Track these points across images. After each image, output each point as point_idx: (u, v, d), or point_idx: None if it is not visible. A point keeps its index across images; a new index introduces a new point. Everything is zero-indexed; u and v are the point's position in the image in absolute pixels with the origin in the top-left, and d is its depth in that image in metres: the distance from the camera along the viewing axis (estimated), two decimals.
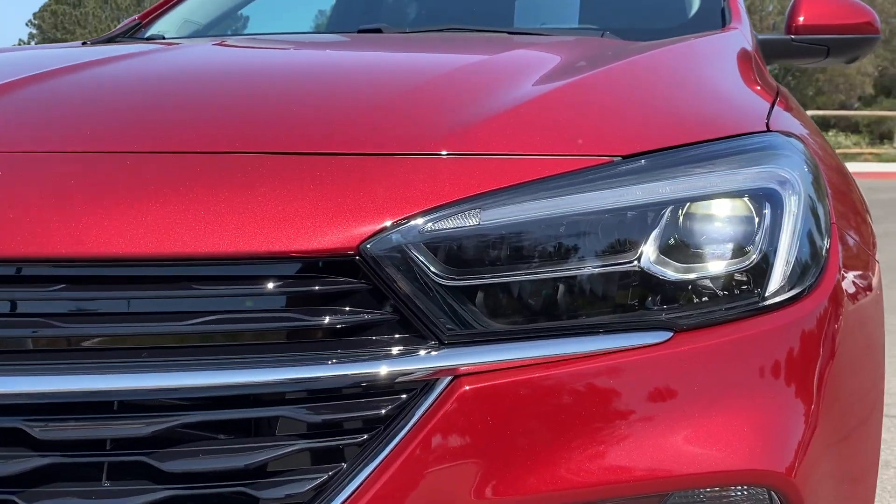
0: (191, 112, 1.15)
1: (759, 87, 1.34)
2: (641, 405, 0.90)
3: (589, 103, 1.12)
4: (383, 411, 0.86)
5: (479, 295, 0.90)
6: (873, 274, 1.21)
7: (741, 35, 1.83)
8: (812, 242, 1.03)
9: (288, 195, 0.90)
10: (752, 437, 0.91)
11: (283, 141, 1.02)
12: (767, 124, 1.15)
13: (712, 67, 1.40)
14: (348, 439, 0.86)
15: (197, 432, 0.86)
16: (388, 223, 0.88)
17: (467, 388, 0.86)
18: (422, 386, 0.87)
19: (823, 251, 1.05)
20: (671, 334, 0.92)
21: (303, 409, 0.86)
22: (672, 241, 0.95)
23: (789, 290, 0.98)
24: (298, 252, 0.86)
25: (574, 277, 0.92)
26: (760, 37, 2.22)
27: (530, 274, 0.91)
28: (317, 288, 0.87)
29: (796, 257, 0.99)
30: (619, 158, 0.97)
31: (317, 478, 0.85)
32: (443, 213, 0.89)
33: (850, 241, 1.16)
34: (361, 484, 0.84)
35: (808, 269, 1.01)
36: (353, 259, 0.87)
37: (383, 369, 0.86)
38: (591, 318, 0.92)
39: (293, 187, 0.91)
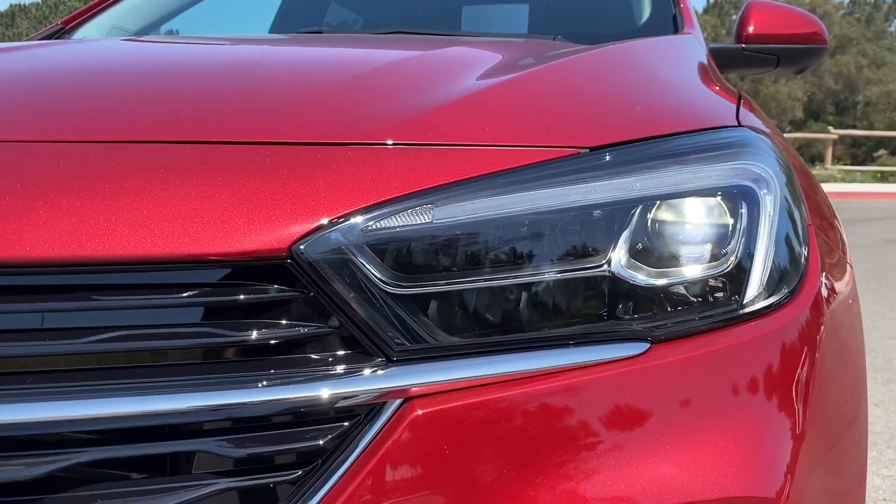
0: (92, 100, 1.00)
1: (721, 88, 1.27)
2: (617, 428, 0.78)
3: (549, 93, 1.02)
4: (322, 442, 0.73)
5: (433, 304, 0.78)
6: (850, 279, 1.14)
7: (696, 40, 1.78)
8: (791, 246, 0.95)
9: (206, 189, 0.77)
10: (740, 460, 0.81)
11: (200, 129, 0.88)
12: (738, 120, 1.08)
13: (674, 65, 1.32)
14: (280, 477, 0.73)
15: (98, 471, 0.72)
16: (324, 220, 0.75)
17: (420, 412, 0.74)
18: (367, 411, 0.75)
19: (803, 255, 0.97)
20: (647, 346, 0.82)
21: (226, 441, 0.72)
22: (644, 243, 0.85)
23: (769, 297, 0.89)
24: (219, 255, 0.73)
25: (539, 284, 0.81)
26: (711, 45, 2.19)
27: (490, 280, 0.80)
28: (241, 297, 0.74)
29: (775, 261, 0.90)
30: (587, 150, 0.87)
31: None
32: (390, 209, 0.77)
33: (826, 245, 1.09)
34: None
35: (788, 273, 0.93)
36: (284, 263, 0.74)
37: (322, 392, 0.73)
38: (560, 330, 0.81)
39: (213, 180, 0.78)
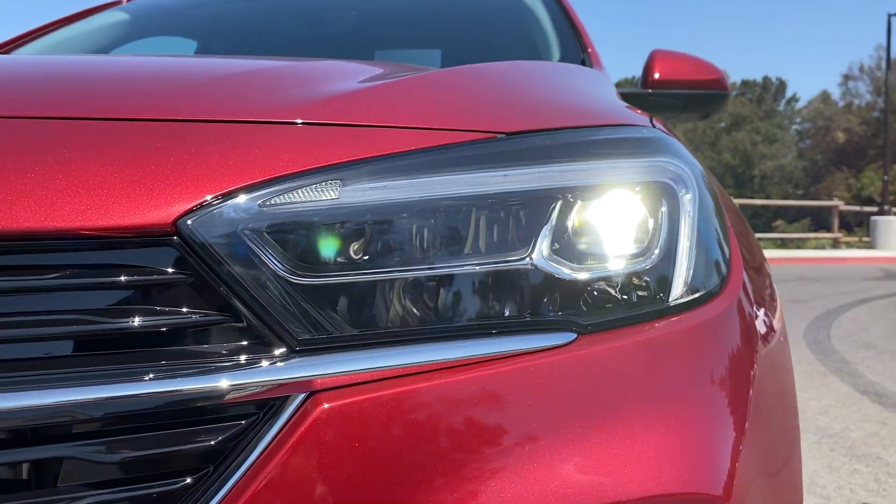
0: None
1: (633, 106, 1.26)
2: (545, 421, 0.72)
3: (462, 85, 0.97)
4: (213, 442, 0.64)
5: (339, 297, 0.71)
6: (772, 281, 1.13)
7: (605, 76, 1.80)
8: (712, 244, 0.93)
9: (85, 161, 0.68)
10: (678, 454, 0.75)
11: (86, 107, 0.79)
12: (652, 123, 1.07)
13: (588, 81, 1.31)
14: (165, 487, 0.63)
15: None
16: (215, 194, 0.68)
17: (326, 406, 0.66)
18: (267, 407, 0.66)
19: (725, 254, 0.95)
20: (574, 336, 0.76)
21: (99, 446, 0.62)
22: (566, 236, 0.81)
23: (694, 293, 0.86)
24: (94, 229, 0.64)
25: (459, 276, 0.75)
26: (619, 90, 2.24)
27: (404, 271, 0.73)
28: (122, 279, 0.65)
29: (698, 258, 0.88)
30: (503, 136, 0.82)
31: None
32: (291, 184, 0.70)
33: (746, 247, 1.08)
34: None
35: (712, 270, 0.90)
36: (170, 240, 0.66)
37: (213, 384, 0.64)
38: (480, 321, 0.75)
39: (94, 153, 0.69)
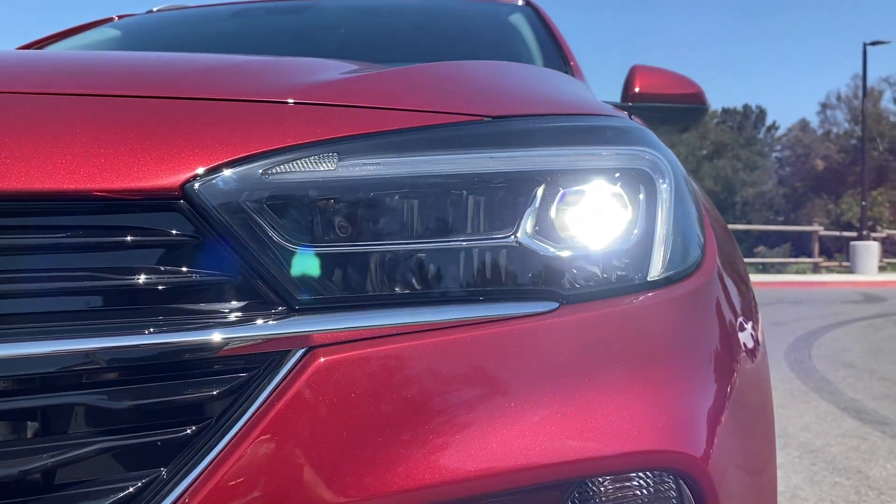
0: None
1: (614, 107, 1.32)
2: (527, 381, 0.76)
3: (447, 76, 1.02)
4: (215, 392, 0.67)
5: (335, 266, 0.75)
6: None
7: (587, 87, 1.86)
8: (688, 228, 0.98)
9: (97, 129, 0.72)
10: (661, 415, 0.79)
11: (101, 86, 0.84)
12: (631, 117, 1.12)
13: (569, 83, 1.37)
14: (169, 434, 0.66)
15: None
16: (221, 161, 0.72)
17: (323, 360, 0.70)
18: (268, 361, 0.69)
19: (700, 240, 1.00)
20: (556, 305, 0.81)
21: (107, 394, 0.65)
22: (548, 217, 0.86)
23: (670, 271, 0.91)
24: (102, 190, 0.68)
25: (447, 249, 0.79)
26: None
27: (396, 244, 0.77)
28: (129, 238, 0.69)
29: (675, 240, 0.93)
30: (489, 119, 0.87)
31: (125, 487, 0.64)
32: (292, 154, 0.74)
33: (719, 234, 1.13)
34: (185, 493, 0.64)
35: (688, 254, 0.95)
36: (177, 203, 0.70)
37: (216, 337, 0.68)
38: (469, 289, 0.79)
39: (106, 122, 0.73)
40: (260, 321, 0.69)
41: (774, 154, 52.32)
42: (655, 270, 0.89)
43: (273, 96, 0.82)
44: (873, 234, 21.21)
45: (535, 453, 0.72)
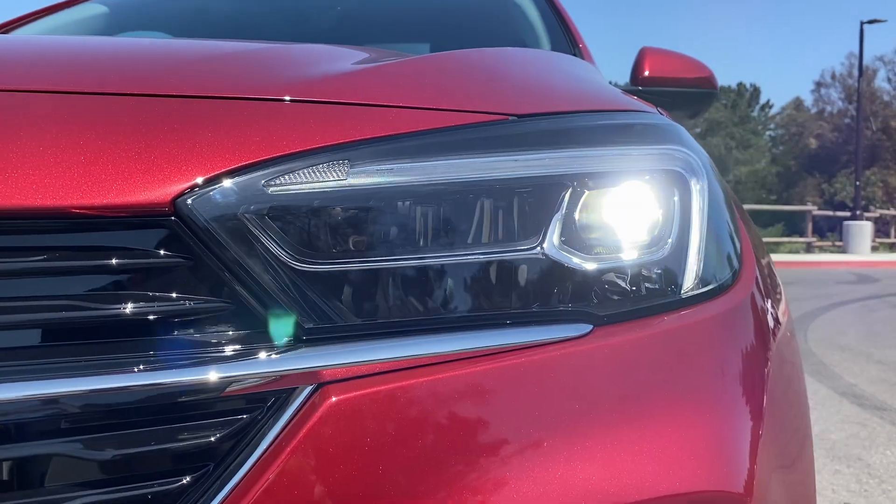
0: None
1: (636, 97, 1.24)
2: (562, 418, 0.68)
3: (468, 67, 0.93)
4: (214, 438, 0.59)
5: (346, 285, 0.67)
6: (774, 271, 1.10)
7: (598, 70, 1.78)
8: (724, 234, 0.91)
9: (78, 136, 0.63)
10: (699, 451, 0.72)
11: (81, 81, 0.74)
12: (660, 111, 1.04)
13: (587, 71, 1.28)
14: (161, 486, 0.58)
15: None
16: (216, 172, 0.63)
17: (335, 399, 0.62)
18: (272, 400, 0.61)
19: (736, 246, 0.93)
20: (590, 327, 0.73)
21: (91, 442, 0.57)
22: (577, 225, 0.78)
23: (707, 284, 0.83)
24: (80, 207, 0.59)
25: (469, 263, 0.71)
26: None
27: (413, 260, 0.69)
28: (113, 262, 0.60)
29: (710, 249, 0.85)
30: (515, 118, 0.79)
31: None
32: (296, 163, 0.66)
33: (754, 240, 1.05)
34: None
35: (724, 263, 0.88)
36: (167, 221, 0.61)
37: (213, 375, 0.59)
38: (494, 311, 0.71)
39: (87, 128, 0.64)
40: (262, 355, 0.61)
41: (768, 132, 52.28)
42: (689, 284, 0.82)
43: (275, 93, 0.73)
44: (866, 214, 21.22)
45: (573, 500, 0.64)
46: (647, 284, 0.79)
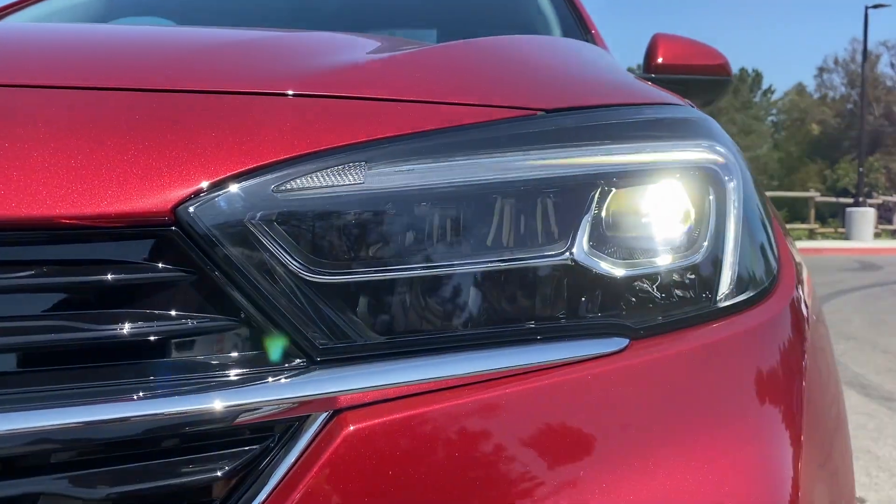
0: None
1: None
2: (601, 444, 0.62)
3: (490, 57, 0.87)
4: (220, 473, 0.53)
5: (364, 298, 0.61)
6: (814, 290, 1.05)
7: (613, 58, 1.71)
8: (759, 237, 0.85)
9: (65, 137, 0.57)
10: (745, 474, 0.66)
11: (68, 74, 0.68)
12: (690, 104, 0.97)
13: (606, 59, 1.21)
14: None
15: None
16: (221, 177, 0.57)
17: (353, 428, 0.56)
18: (283, 430, 0.56)
19: (773, 248, 0.87)
20: (627, 341, 0.67)
21: (82, 479, 0.51)
22: (608, 227, 0.72)
23: (744, 292, 0.78)
24: (73, 217, 0.53)
25: (498, 271, 0.65)
26: None
27: (435, 268, 0.63)
28: (109, 277, 0.54)
29: (747, 253, 0.80)
30: (543, 113, 0.73)
31: None
32: (308, 165, 0.60)
33: (789, 241, 0.99)
34: None
35: (761, 266, 0.82)
36: (168, 231, 0.56)
37: (218, 404, 0.53)
38: (523, 325, 0.65)
39: (76, 128, 0.58)
40: (273, 379, 0.55)
41: (770, 118, 52.09)
42: (729, 291, 0.76)
43: (284, 87, 0.67)
44: (869, 201, 21.14)
45: None
46: (682, 292, 0.73)
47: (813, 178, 41.26)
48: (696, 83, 2.27)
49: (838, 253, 15.70)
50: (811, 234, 20.19)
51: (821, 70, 48.37)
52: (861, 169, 21.28)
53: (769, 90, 51.90)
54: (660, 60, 2.21)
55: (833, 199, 25.57)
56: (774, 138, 49.76)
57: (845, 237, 19.38)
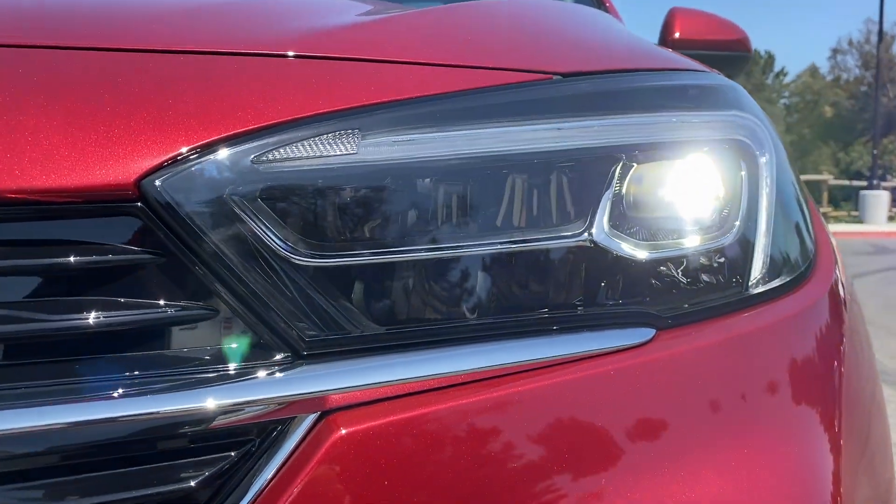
0: None
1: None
2: (626, 448, 0.56)
3: (498, 17, 0.79)
4: (193, 483, 0.47)
5: (358, 283, 0.54)
6: (845, 269, 0.97)
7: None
8: (794, 215, 0.78)
9: (15, 102, 0.50)
10: (784, 478, 0.59)
11: (9, 31, 0.60)
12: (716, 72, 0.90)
13: (622, 26, 1.14)
14: None
15: None
16: (193, 146, 0.50)
17: (344, 431, 0.49)
18: (266, 433, 0.49)
19: (809, 227, 0.80)
20: (653, 332, 0.60)
21: (36, 489, 0.45)
22: (630, 205, 0.65)
23: (779, 277, 0.71)
24: (25, 192, 0.46)
25: (507, 254, 0.59)
26: None
27: (438, 250, 0.56)
28: (71, 260, 0.48)
29: (780, 232, 0.73)
30: (559, 77, 0.65)
31: None
32: (295, 133, 0.53)
33: (824, 222, 0.92)
34: None
35: (797, 249, 0.75)
36: (133, 207, 0.49)
37: (195, 405, 0.47)
38: (536, 314, 0.59)
39: (28, 91, 0.51)
40: (259, 373, 0.49)
41: (782, 101, 51.62)
42: (763, 276, 0.70)
43: (269, 47, 0.59)
44: (883, 184, 20.90)
45: None
46: (711, 277, 0.67)
47: (826, 160, 40.91)
48: (715, 59, 2.19)
49: (852, 237, 15.53)
50: (824, 218, 19.99)
51: (834, 51, 47.80)
52: (875, 151, 20.99)
53: (782, 72, 51.39)
54: (677, 35, 2.13)
55: (846, 183, 25.32)
56: (787, 121, 49.35)
57: (859, 220, 19.18)
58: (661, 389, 0.58)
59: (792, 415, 0.63)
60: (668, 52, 0.92)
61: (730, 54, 2.19)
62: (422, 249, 0.56)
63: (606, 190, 0.63)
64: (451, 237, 0.57)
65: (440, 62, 0.62)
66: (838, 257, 0.89)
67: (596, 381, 0.56)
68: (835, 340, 0.72)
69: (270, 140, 0.52)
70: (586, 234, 0.61)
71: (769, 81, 51.10)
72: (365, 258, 0.54)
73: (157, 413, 0.46)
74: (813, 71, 50.43)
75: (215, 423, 0.47)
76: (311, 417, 0.49)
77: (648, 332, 0.60)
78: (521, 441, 0.52)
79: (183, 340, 0.50)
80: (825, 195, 20.53)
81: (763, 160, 0.73)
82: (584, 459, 0.53)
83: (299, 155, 0.52)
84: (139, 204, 0.49)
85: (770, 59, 50.90)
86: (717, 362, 0.62)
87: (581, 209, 0.62)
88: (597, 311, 0.60)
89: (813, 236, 0.80)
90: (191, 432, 0.48)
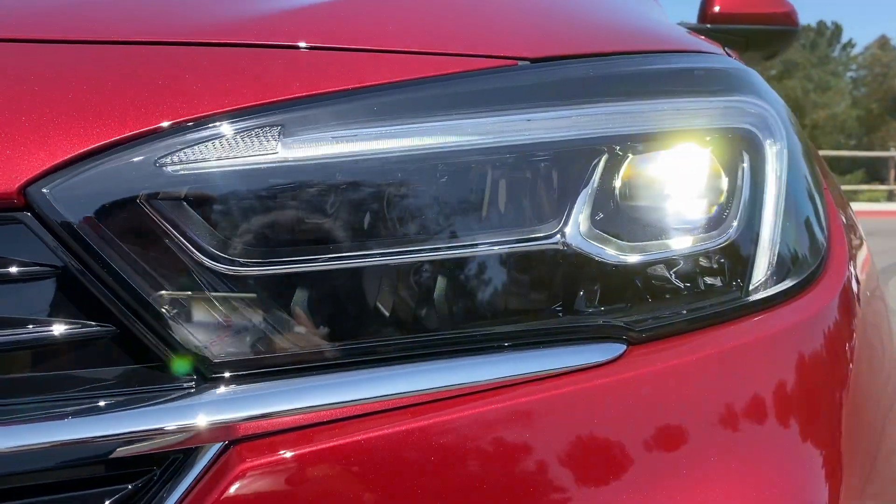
0: None
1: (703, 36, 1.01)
2: (587, 482, 0.50)
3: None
4: None
5: (281, 295, 0.49)
6: (871, 260, 0.88)
7: (657, 3, 1.53)
8: (805, 211, 0.70)
9: None
10: None
11: None
12: (727, 53, 0.82)
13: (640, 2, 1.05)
14: None
15: None
16: (87, 148, 0.45)
17: (251, 463, 0.44)
18: (164, 466, 0.45)
19: (822, 223, 0.72)
20: (623, 348, 0.54)
21: None
22: (612, 205, 0.58)
23: (784, 280, 0.64)
24: None
25: (458, 260, 0.53)
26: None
27: (379, 256, 0.51)
28: None
29: (789, 231, 0.65)
30: (527, 63, 0.59)
31: None
32: (202, 133, 0.47)
33: (845, 217, 0.83)
34: None
35: (806, 249, 0.68)
36: (19, 216, 0.44)
37: (84, 434, 0.43)
38: (491, 329, 0.53)
39: None
40: (152, 403, 0.44)
41: (849, 74, 49.74)
42: (763, 280, 0.63)
43: (176, 36, 0.54)
44: None
45: None
46: (701, 283, 0.60)
47: (895, 136, 39.33)
48: (759, 34, 2.08)
49: None
50: (890, 196, 19.24)
51: None
52: None
53: (849, 44, 49.47)
54: (716, 9, 2.02)
55: None
56: (853, 95, 47.56)
57: None
58: (627, 415, 0.52)
59: (779, 447, 0.56)
60: (674, 30, 0.84)
61: (775, 28, 2.07)
62: (360, 256, 0.50)
63: (584, 187, 0.57)
64: (397, 241, 0.51)
65: (384, 48, 0.55)
66: (858, 251, 0.81)
67: (554, 408, 0.50)
68: (843, 348, 0.65)
69: (174, 140, 0.47)
70: (558, 235, 0.55)
71: (835, 54, 49.27)
72: (283, 267, 0.49)
73: (44, 444, 0.42)
74: (882, 43, 48.37)
75: (114, 454, 0.43)
76: (215, 448, 0.45)
77: (618, 348, 0.54)
78: (453, 474, 0.46)
79: (78, 361, 0.46)
80: (892, 172, 19.73)
81: (772, 151, 0.66)
82: (540, 493, 0.47)
83: (208, 157, 0.47)
84: (26, 213, 0.44)
85: (837, 30, 49.03)
86: (697, 382, 0.55)
87: (553, 209, 0.56)
88: (561, 324, 0.54)
89: (826, 231, 0.72)
90: (88, 460, 0.44)
